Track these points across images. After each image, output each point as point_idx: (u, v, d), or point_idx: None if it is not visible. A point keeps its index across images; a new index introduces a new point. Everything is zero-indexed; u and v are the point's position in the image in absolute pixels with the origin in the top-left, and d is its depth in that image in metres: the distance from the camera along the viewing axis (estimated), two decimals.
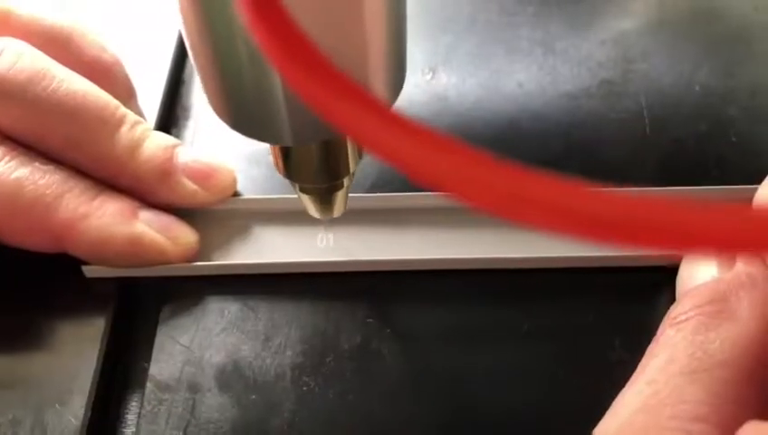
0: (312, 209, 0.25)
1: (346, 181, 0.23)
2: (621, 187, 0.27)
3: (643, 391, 0.20)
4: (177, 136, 0.31)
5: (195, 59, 0.18)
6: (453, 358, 0.25)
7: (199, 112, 0.32)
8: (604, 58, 0.33)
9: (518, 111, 0.31)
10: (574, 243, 0.27)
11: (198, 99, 0.33)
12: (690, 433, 0.18)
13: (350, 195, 0.27)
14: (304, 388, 0.25)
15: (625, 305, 0.26)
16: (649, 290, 0.26)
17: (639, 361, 0.22)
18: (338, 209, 0.25)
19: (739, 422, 0.18)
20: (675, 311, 0.22)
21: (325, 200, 0.24)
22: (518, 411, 0.24)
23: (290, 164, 0.22)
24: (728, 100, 0.31)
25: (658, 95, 0.32)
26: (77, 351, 0.25)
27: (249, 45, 0.17)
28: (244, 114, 0.19)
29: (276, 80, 0.17)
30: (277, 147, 0.22)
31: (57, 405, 0.24)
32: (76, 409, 0.24)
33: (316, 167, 0.22)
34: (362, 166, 0.30)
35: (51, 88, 0.25)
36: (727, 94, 0.31)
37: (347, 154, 0.22)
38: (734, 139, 0.30)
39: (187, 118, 0.32)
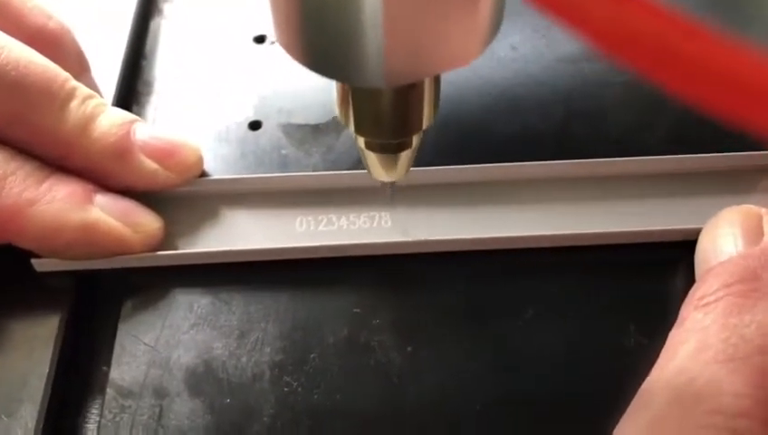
0: (376, 170, 0.22)
1: (416, 140, 0.21)
2: (627, 156, 0.26)
3: (673, 381, 0.18)
4: (139, 114, 0.29)
5: None
6: (450, 348, 0.23)
7: (162, 87, 0.30)
8: None
9: (513, 76, 0.29)
10: (579, 219, 0.25)
11: (162, 73, 0.30)
12: (734, 431, 0.16)
13: (357, 172, 0.25)
14: (286, 389, 0.22)
15: (637, 285, 0.24)
16: (662, 268, 0.24)
17: (658, 346, 0.20)
18: (401, 171, 0.22)
19: None
20: (700, 291, 0.20)
21: (390, 160, 0.22)
22: (524, 404, 0.22)
23: (360, 114, 0.20)
24: None
25: None
26: (26, 354, 0.23)
27: None
28: (324, 47, 0.16)
29: (375, 3, 0.14)
30: (348, 95, 0.19)
31: (4, 416, 0.22)
32: (26, 420, 0.21)
33: (389, 119, 0.19)
34: (345, 139, 0.27)
35: None
36: None
37: (423, 108, 0.20)
38: None
39: (149, 94, 0.30)
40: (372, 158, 0.22)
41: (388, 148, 0.21)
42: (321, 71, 0.17)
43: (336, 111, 0.20)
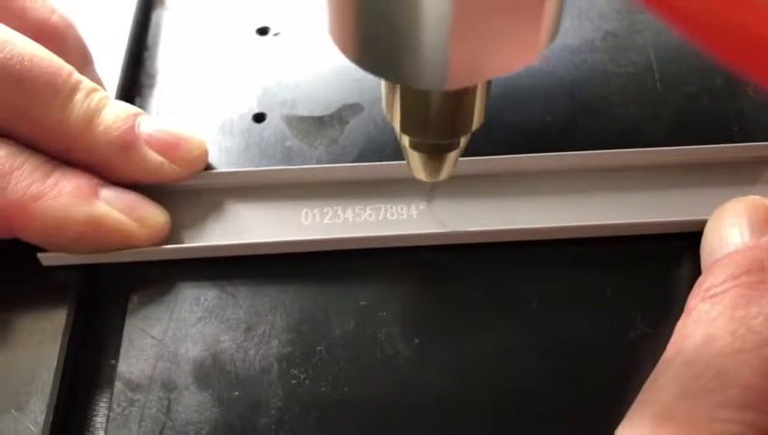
0: (419, 170, 0.22)
1: (463, 141, 0.20)
2: (631, 147, 0.26)
3: (680, 374, 0.18)
4: (142, 107, 0.28)
5: None
6: (457, 340, 0.23)
7: (166, 80, 0.30)
8: (607, 8, 0.30)
9: None
10: (584, 210, 0.25)
11: (165, 65, 0.30)
12: (743, 423, 0.16)
13: (361, 164, 0.25)
14: (293, 381, 0.22)
15: (644, 277, 0.24)
16: (668, 259, 0.24)
17: (664, 337, 0.20)
18: (446, 172, 0.22)
19: None
20: (707, 282, 0.20)
21: (435, 160, 0.21)
22: (531, 395, 0.22)
23: (408, 114, 0.19)
24: None
25: (668, 47, 0.29)
26: (35, 348, 0.23)
27: None
28: (382, 48, 0.15)
29: (444, 7, 0.14)
30: (397, 94, 0.19)
31: (13, 411, 0.22)
32: (35, 414, 0.21)
33: (442, 120, 0.19)
34: (349, 132, 0.27)
35: None
36: None
37: (474, 109, 0.19)
38: (752, 93, 0.28)
39: (152, 86, 0.30)
40: (415, 157, 0.21)
41: (435, 148, 0.20)
42: (376, 71, 0.16)
43: (383, 108, 0.20)
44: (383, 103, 0.19)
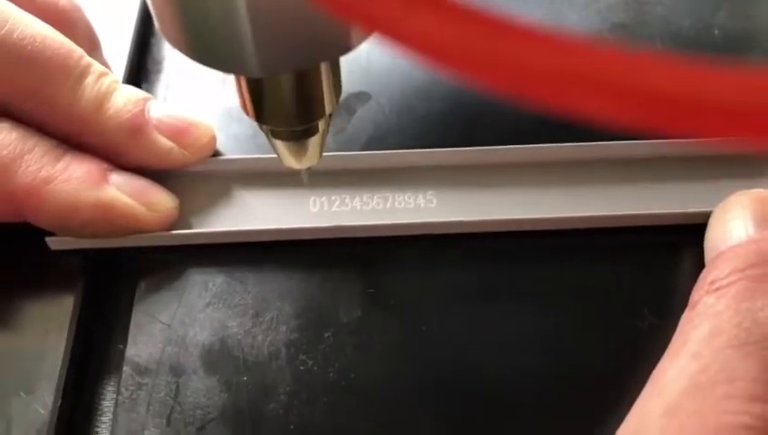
0: (286, 157, 0.22)
1: (322, 125, 0.21)
2: (638, 138, 0.26)
3: (688, 366, 0.18)
4: (148, 92, 0.28)
5: None
6: (464, 329, 0.23)
7: (173, 65, 0.30)
8: (615, 0, 0.30)
9: None
10: (591, 202, 0.25)
11: (171, 50, 0.30)
12: (751, 416, 0.16)
13: (369, 153, 0.25)
14: (301, 367, 0.22)
15: (650, 268, 0.24)
16: (673, 251, 0.24)
17: (671, 328, 0.20)
18: (312, 158, 0.22)
19: None
20: (711, 275, 0.20)
21: (299, 147, 0.22)
22: (537, 385, 0.22)
23: (259, 103, 0.20)
24: (750, 43, 0.29)
25: (675, 39, 0.29)
26: (44, 332, 0.23)
27: None
28: (203, 38, 0.16)
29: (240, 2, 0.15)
30: (245, 85, 0.19)
31: (22, 393, 0.22)
32: (44, 397, 0.22)
33: (289, 106, 0.19)
34: (356, 121, 0.27)
35: (3, 31, 0.22)
36: (748, 37, 0.29)
37: (323, 93, 0.19)
38: None
39: (159, 72, 0.30)
40: (281, 146, 0.21)
41: (294, 135, 0.21)
42: (204, 62, 0.17)
43: (239, 103, 0.20)
44: (238, 97, 0.20)
